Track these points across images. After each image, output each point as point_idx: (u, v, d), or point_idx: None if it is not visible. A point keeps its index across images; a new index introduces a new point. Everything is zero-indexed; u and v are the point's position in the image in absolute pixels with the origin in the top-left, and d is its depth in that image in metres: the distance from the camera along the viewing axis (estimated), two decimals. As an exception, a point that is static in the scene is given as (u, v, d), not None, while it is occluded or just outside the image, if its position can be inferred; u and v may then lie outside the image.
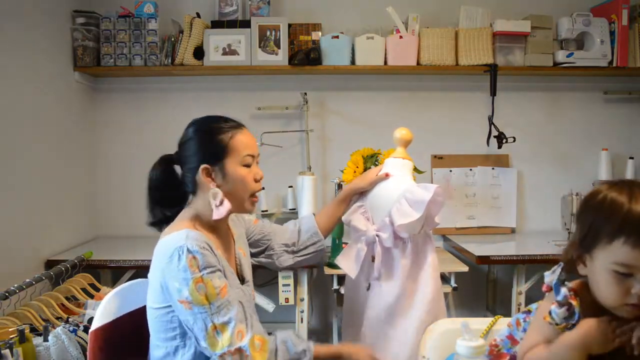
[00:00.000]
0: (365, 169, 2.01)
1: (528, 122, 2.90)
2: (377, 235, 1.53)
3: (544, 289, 1.00)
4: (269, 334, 1.25)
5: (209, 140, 1.32)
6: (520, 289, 2.39)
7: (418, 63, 2.64)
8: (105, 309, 1.34)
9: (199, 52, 2.61)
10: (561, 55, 2.64)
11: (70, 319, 1.80)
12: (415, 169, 2.41)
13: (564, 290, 0.95)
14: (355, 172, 2.21)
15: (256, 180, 1.36)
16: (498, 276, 2.87)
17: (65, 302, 1.91)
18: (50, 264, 2.23)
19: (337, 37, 2.63)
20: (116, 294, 1.38)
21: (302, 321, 2.36)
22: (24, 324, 1.67)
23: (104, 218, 2.82)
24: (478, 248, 2.46)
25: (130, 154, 2.79)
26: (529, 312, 1.09)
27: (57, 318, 1.82)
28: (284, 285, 2.32)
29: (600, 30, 2.63)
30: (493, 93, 2.68)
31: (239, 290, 1.32)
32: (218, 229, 1.37)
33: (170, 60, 2.62)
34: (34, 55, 2.23)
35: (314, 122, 2.80)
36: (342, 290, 2.05)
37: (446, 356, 1.22)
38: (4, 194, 2.00)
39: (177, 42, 2.60)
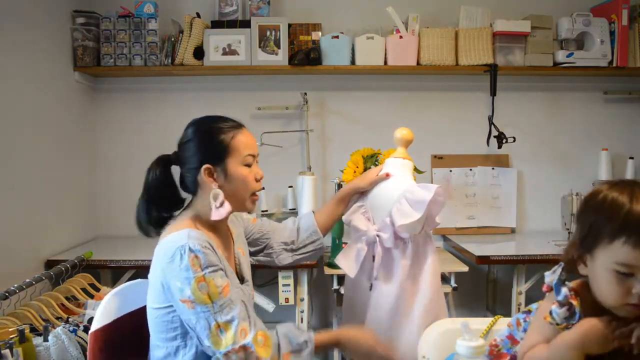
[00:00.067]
0: (365, 169, 2.01)
1: (528, 122, 2.90)
2: (378, 236, 1.53)
3: (544, 289, 1.00)
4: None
5: (210, 140, 1.32)
6: (520, 289, 2.39)
7: (418, 63, 2.64)
8: (104, 309, 1.34)
9: (199, 52, 2.61)
10: (561, 55, 2.64)
11: (70, 319, 1.80)
12: (416, 169, 2.42)
13: (564, 290, 0.95)
14: (355, 172, 2.21)
15: (257, 180, 1.37)
16: (498, 276, 2.87)
17: (65, 302, 1.91)
18: (50, 264, 2.23)
19: (337, 37, 2.63)
20: (115, 294, 1.38)
21: (302, 321, 2.36)
22: (24, 324, 1.67)
23: (104, 218, 2.82)
24: (478, 248, 2.46)
25: (130, 154, 2.79)
26: (529, 312, 1.09)
27: (57, 318, 1.82)
28: (284, 285, 2.32)
29: (600, 30, 2.63)
30: (493, 93, 2.68)
31: (238, 289, 1.32)
32: (218, 228, 1.37)
33: (170, 60, 2.62)
34: (34, 55, 2.23)
35: (314, 122, 2.80)
36: (342, 290, 2.05)
37: (446, 356, 1.22)
38: (4, 194, 2.00)
39: (177, 42, 2.60)
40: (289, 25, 2.66)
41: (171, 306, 1.23)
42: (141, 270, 2.26)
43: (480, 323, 1.27)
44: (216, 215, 1.28)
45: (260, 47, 2.63)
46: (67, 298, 1.95)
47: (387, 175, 1.58)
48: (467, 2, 2.72)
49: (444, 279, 2.31)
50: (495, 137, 2.71)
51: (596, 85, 2.89)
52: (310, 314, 2.54)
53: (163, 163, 1.35)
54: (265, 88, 2.83)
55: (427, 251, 1.55)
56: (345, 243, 1.79)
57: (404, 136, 1.60)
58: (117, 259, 2.29)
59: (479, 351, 0.95)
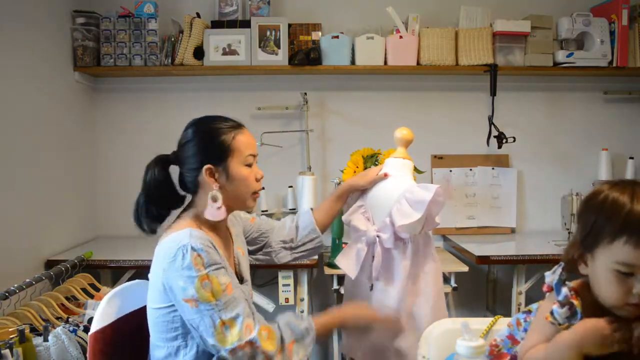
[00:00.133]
0: (365, 169, 2.01)
1: (528, 122, 2.90)
2: (378, 236, 1.53)
3: (544, 289, 1.00)
4: None
5: (211, 140, 1.32)
6: (520, 289, 2.39)
7: (418, 63, 2.64)
8: (103, 311, 1.34)
9: (199, 52, 2.61)
10: (561, 55, 2.64)
11: (70, 319, 1.80)
12: (416, 169, 2.42)
13: (564, 290, 0.95)
14: (355, 172, 2.21)
15: (257, 180, 1.38)
16: (498, 276, 2.87)
17: (65, 302, 1.91)
18: (50, 264, 2.23)
19: (337, 37, 2.63)
20: (113, 295, 1.38)
21: (302, 321, 2.36)
22: (24, 324, 1.67)
23: (104, 218, 2.82)
24: (478, 248, 2.46)
25: (130, 154, 2.79)
26: (529, 312, 1.09)
27: (57, 318, 1.82)
28: (284, 285, 2.32)
29: (600, 30, 2.63)
30: (493, 93, 2.68)
31: (238, 289, 1.32)
32: (218, 228, 1.37)
33: (170, 60, 2.62)
34: (34, 55, 2.23)
35: (314, 122, 2.80)
36: (342, 290, 2.05)
37: (446, 356, 1.22)
38: (4, 194, 2.00)
39: (177, 42, 2.60)
40: (289, 25, 2.66)
41: (172, 306, 1.23)
42: (141, 270, 2.26)
43: (480, 323, 1.27)
44: (210, 215, 1.29)
45: (260, 47, 2.63)
46: (67, 298, 1.95)
47: (386, 175, 1.58)
48: (467, 2, 2.72)
49: (444, 279, 2.31)
50: (495, 137, 2.71)
51: (596, 85, 2.89)
52: (310, 314, 2.54)
53: (162, 163, 1.35)
54: (265, 88, 2.83)
55: (427, 251, 1.55)
56: (346, 243, 1.79)
57: (404, 136, 1.60)
58: (117, 259, 2.29)
59: (479, 351, 0.95)
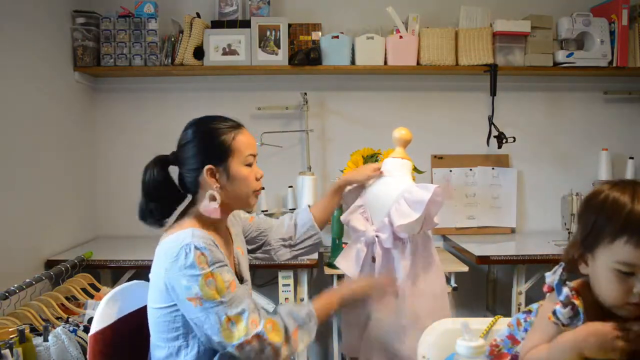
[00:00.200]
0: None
1: (528, 122, 2.90)
2: (377, 236, 1.53)
3: (545, 289, 1.00)
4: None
5: (211, 141, 1.32)
6: (520, 289, 2.39)
7: (418, 63, 2.64)
8: (102, 312, 1.33)
9: (199, 52, 2.61)
10: (561, 55, 2.64)
11: (70, 319, 1.80)
12: (415, 169, 2.42)
13: (565, 290, 0.95)
14: (355, 172, 2.20)
15: (257, 179, 1.38)
16: (498, 276, 2.87)
17: (65, 302, 1.91)
18: (50, 264, 2.23)
19: (337, 37, 2.63)
20: (112, 297, 1.37)
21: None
22: (24, 324, 1.67)
23: (104, 218, 2.82)
24: (478, 248, 2.46)
25: (130, 154, 2.79)
26: (529, 311, 1.09)
27: (57, 318, 1.82)
28: (284, 285, 2.32)
29: (600, 30, 2.63)
30: (493, 93, 2.68)
31: (241, 286, 1.32)
32: (218, 228, 1.37)
33: (170, 60, 2.62)
34: (34, 55, 2.23)
35: (314, 122, 2.80)
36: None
37: (446, 356, 1.22)
38: (4, 194, 2.00)
39: (177, 42, 2.60)
40: (289, 25, 2.66)
41: (173, 306, 1.23)
42: (141, 270, 2.26)
43: (480, 323, 1.27)
44: (205, 211, 1.29)
45: (260, 47, 2.63)
46: (67, 298, 1.95)
47: (381, 173, 1.59)
48: (467, 2, 2.72)
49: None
50: (495, 137, 2.71)
51: (596, 85, 2.89)
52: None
53: (160, 163, 1.35)
54: (265, 88, 2.83)
55: (426, 251, 1.55)
56: (345, 243, 1.79)
57: (402, 136, 1.60)
58: (117, 259, 2.29)
59: (479, 351, 0.95)
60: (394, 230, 1.50)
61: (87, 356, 1.29)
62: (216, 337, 1.17)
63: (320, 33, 2.69)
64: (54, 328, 1.66)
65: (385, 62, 2.65)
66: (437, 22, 2.73)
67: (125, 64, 2.61)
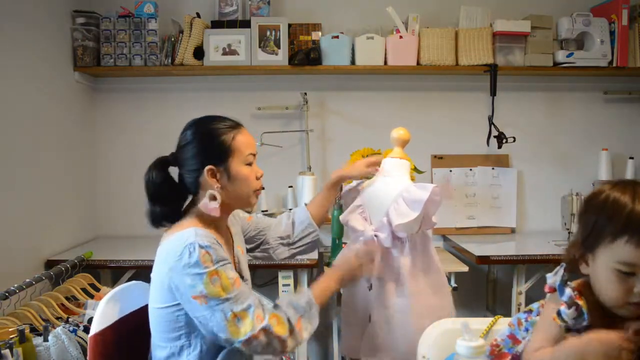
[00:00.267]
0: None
1: (528, 122, 2.90)
2: (376, 236, 1.54)
3: (546, 289, 1.00)
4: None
5: (211, 141, 1.32)
6: (520, 289, 2.39)
7: (418, 63, 2.64)
8: (102, 312, 1.33)
9: (199, 52, 2.61)
10: (561, 55, 2.64)
11: (70, 319, 1.80)
12: (415, 169, 2.42)
13: (569, 291, 0.95)
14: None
15: (257, 178, 1.39)
16: (498, 276, 2.87)
17: (65, 302, 1.91)
18: (50, 264, 2.23)
19: (337, 37, 2.63)
20: (112, 297, 1.37)
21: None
22: (24, 324, 1.67)
23: (104, 218, 2.82)
24: (478, 248, 2.46)
25: (130, 154, 2.79)
26: (530, 311, 1.09)
27: (57, 318, 1.82)
28: (284, 285, 2.32)
29: (600, 30, 2.63)
30: (493, 93, 2.68)
31: (244, 284, 1.33)
32: (219, 227, 1.37)
33: (170, 60, 2.62)
34: (34, 55, 2.23)
35: (314, 122, 2.80)
36: (342, 290, 2.05)
37: (446, 356, 1.22)
38: (4, 194, 2.00)
39: (177, 42, 2.60)
40: (289, 25, 2.66)
41: (176, 305, 1.23)
42: (141, 270, 2.26)
43: (480, 323, 1.27)
44: (203, 207, 1.30)
45: (260, 47, 2.63)
46: (67, 298, 1.95)
47: (376, 170, 1.60)
48: (467, 2, 2.72)
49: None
50: (495, 137, 2.71)
51: (596, 85, 2.89)
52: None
53: (160, 165, 1.35)
54: (265, 88, 2.83)
55: (425, 251, 1.55)
56: (345, 243, 1.79)
57: (401, 136, 1.61)
58: (117, 259, 2.29)
59: (479, 351, 0.95)
60: (392, 229, 1.50)
61: (88, 358, 1.29)
62: (223, 333, 1.18)
63: (320, 33, 2.69)
64: (54, 328, 1.66)
65: (385, 62, 2.65)
66: (437, 22, 2.73)
67: (125, 64, 2.61)
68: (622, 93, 2.90)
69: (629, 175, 2.80)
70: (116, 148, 2.83)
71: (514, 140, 2.70)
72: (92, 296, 2.05)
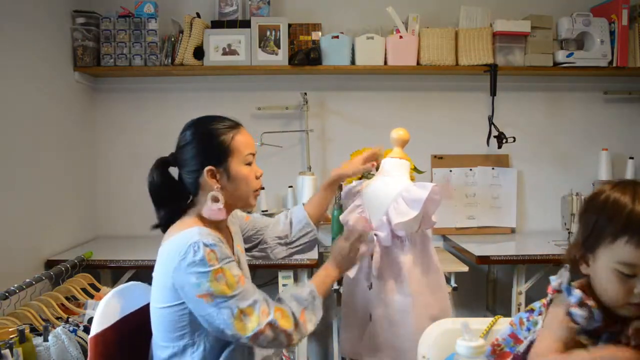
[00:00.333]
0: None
1: (528, 122, 2.90)
2: (375, 235, 1.54)
3: (549, 291, 0.99)
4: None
5: (210, 142, 1.32)
6: (520, 289, 2.39)
7: (418, 63, 2.64)
8: (102, 313, 1.33)
9: (199, 52, 2.61)
10: (561, 55, 2.64)
11: (70, 319, 1.80)
12: (415, 169, 2.42)
13: (577, 292, 0.94)
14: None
15: (257, 177, 1.39)
16: (498, 276, 2.87)
17: (65, 302, 1.91)
18: (50, 264, 2.23)
19: (337, 37, 2.63)
20: (112, 297, 1.37)
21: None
22: (24, 324, 1.67)
23: (104, 218, 2.82)
24: (478, 248, 2.46)
25: (130, 154, 2.79)
26: (532, 310, 1.09)
27: (57, 318, 1.82)
28: (284, 285, 2.32)
29: (600, 30, 2.63)
30: (493, 93, 2.68)
31: (248, 280, 1.33)
32: (220, 226, 1.37)
33: (170, 60, 2.62)
34: (34, 55, 2.23)
35: (314, 122, 2.80)
36: (342, 290, 2.05)
37: (446, 356, 1.22)
38: (4, 194, 2.00)
39: (177, 42, 2.60)
40: (289, 25, 2.66)
41: (180, 304, 1.23)
42: (141, 270, 2.26)
43: (480, 323, 1.27)
44: (207, 213, 1.30)
45: (260, 47, 2.63)
46: (67, 298, 1.95)
47: (373, 165, 1.60)
48: (467, 2, 2.72)
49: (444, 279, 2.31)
50: (495, 137, 2.71)
51: (596, 85, 2.89)
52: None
53: (160, 166, 1.35)
54: (265, 88, 2.83)
55: (425, 250, 1.56)
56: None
57: (400, 136, 1.62)
58: (117, 259, 2.29)
59: (479, 351, 0.95)
60: (392, 228, 1.50)
61: (88, 358, 1.29)
62: (229, 330, 1.18)
63: (320, 33, 2.69)
64: (54, 328, 1.66)
65: (385, 62, 2.65)
66: (437, 22, 2.73)
67: (125, 64, 2.61)
68: (622, 93, 2.90)
69: (629, 175, 2.80)
70: (116, 148, 2.83)
71: (514, 140, 2.70)
72: (92, 296, 2.05)
